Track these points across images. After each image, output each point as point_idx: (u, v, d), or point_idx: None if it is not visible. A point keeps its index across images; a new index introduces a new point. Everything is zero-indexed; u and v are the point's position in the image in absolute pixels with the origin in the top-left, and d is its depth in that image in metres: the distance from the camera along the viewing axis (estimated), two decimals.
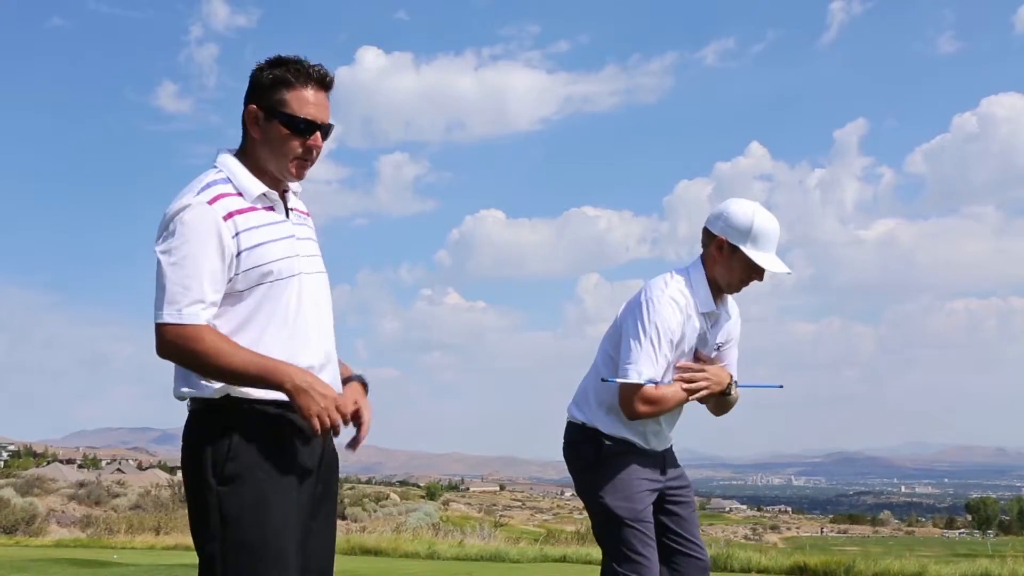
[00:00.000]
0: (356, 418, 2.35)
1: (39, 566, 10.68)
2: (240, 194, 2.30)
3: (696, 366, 3.21)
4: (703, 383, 3.19)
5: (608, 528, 3.20)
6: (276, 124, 2.33)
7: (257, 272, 2.27)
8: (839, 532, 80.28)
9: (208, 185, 2.28)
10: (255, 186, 2.33)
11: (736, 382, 3.29)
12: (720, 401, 3.31)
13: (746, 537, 61.45)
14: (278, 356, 2.25)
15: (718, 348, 3.30)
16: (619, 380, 3.10)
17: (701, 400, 3.26)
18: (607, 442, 3.24)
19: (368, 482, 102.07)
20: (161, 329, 2.20)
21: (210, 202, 2.24)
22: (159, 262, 2.21)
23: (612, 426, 3.23)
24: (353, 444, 2.38)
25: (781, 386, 3.41)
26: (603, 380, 3.18)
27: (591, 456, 3.27)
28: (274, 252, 2.30)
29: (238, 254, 2.25)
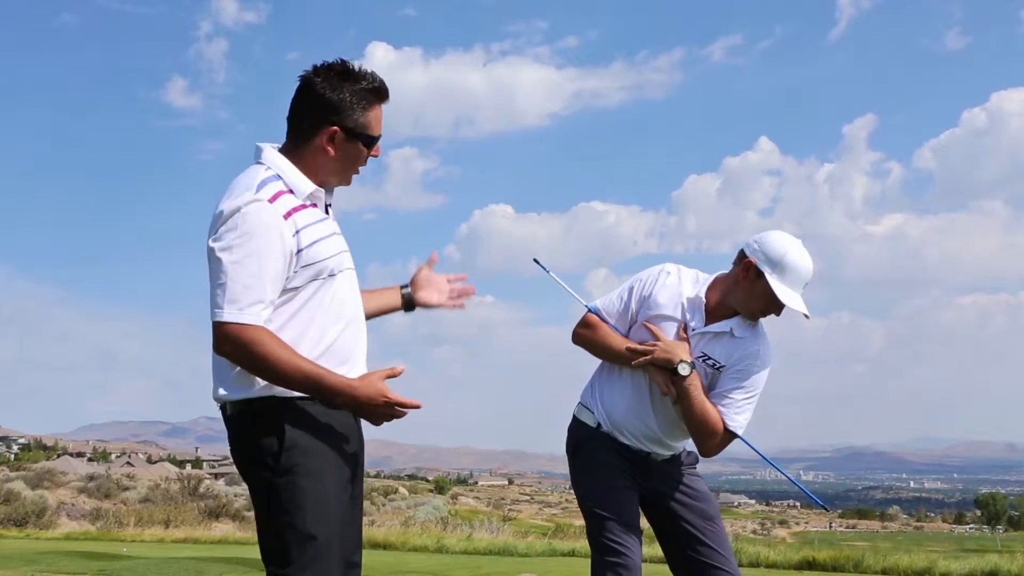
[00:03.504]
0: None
1: (49, 559, 10.72)
2: (291, 191, 2.32)
3: (657, 331, 3.15)
4: (649, 348, 3.12)
5: (585, 515, 3.22)
6: (358, 144, 2.39)
7: (312, 269, 2.31)
8: (848, 527, 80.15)
9: (264, 182, 2.28)
10: (306, 184, 2.35)
11: (691, 363, 3.09)
12: (680, 390, 3.10)
13: (755, 532, 61.45)
14: (331, 347, 2.32)
15: (715, 368, 3.17)
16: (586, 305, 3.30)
17: (663, 384, 3.12)
18: (578, 427, 3.29)
19: (377, 476, 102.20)
20: (221, 327, 2.21)
21: (271, 200, 2.25)
22: (219, 259, 2.21)
23: (581, 407, 3.31)
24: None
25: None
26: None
27: (569, 445, 3.32)
28: (327, 249, 2.34)
29: (297, 252, 2.28)
